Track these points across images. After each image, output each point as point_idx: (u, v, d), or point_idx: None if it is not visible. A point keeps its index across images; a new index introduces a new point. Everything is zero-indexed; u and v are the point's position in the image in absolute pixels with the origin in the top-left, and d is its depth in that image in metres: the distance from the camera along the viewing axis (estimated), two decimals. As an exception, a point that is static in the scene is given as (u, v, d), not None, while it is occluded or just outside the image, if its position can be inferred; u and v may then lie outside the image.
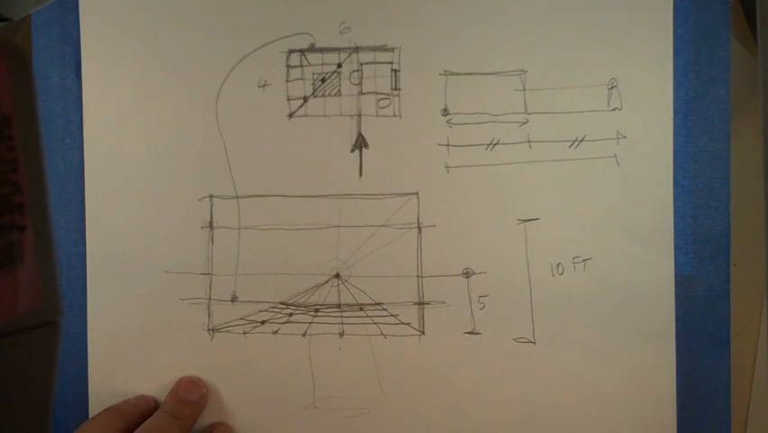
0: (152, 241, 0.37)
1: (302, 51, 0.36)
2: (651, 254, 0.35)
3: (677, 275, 0.35)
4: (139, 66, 0.37)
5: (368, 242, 0.36)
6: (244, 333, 0.37)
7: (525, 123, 0.35)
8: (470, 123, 0.36)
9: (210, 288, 0.37)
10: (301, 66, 0.36)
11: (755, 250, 0.35)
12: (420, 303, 0.36)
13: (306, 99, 0.36)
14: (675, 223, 0.35)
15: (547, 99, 0.35)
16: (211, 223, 0.37)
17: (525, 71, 0.35)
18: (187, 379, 0.37)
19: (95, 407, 0.37)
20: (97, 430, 0.33)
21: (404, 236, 0.36)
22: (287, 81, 0.36)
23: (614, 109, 0.35)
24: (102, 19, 0.37)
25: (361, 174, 0.36)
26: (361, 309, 0.36)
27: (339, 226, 0.36)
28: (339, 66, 0.36)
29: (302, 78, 0.36)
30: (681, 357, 0.35)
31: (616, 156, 0.35)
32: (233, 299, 0.37)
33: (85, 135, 0.37)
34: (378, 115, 0.36)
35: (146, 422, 0.34)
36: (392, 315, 0.36)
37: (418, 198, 0.36)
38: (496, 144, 0.36)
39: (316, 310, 0.37)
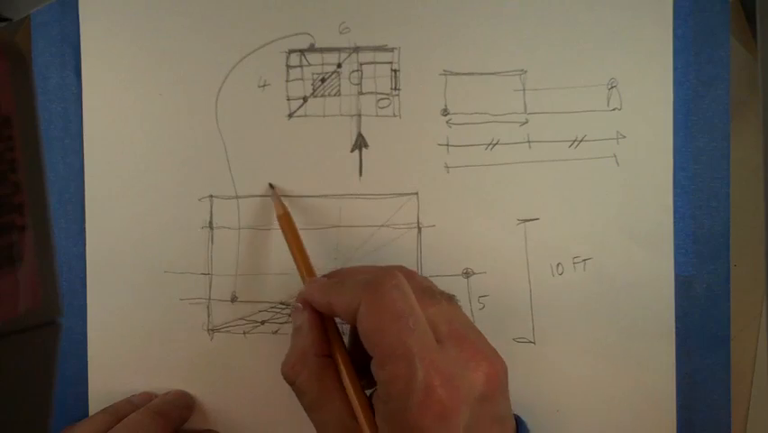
0: (152, 241, 0.37)
1: (302, 51, 0.36)
2: (651, 254, 0.35)
3: (677, 275, 0.35)
4: (139, 66, 0.37)
5: (368, 242, 0.36)
6: (244, 333, 0.37)
7: (525, 123, 0.35)
8: (470, 123, 0.36)
9: (210, 288, 0.37)
10: (301, 66, 0.36)
11: (755, 250, 0.35)
12: (420, 303, 0.36)
13: (305, 99, 0.36)
14: (675, 223, 0.35)
15: (547, 99, 0.35)
16: (211, 223, 0.37)
17: (525, 71, 0.35)
18: (177, 390, 0.37)
19: (95, 407, 0.37)
20: (89, 428, 0.33)
21: (404, 236, 0.36)
22: (287, 81, 0.36)
23: (614, 109, 0.35)
24: (102, 19, 0.37)
25: (361, 174, 0.36)
26: (361, 309, 0.36)
27: (339, 226, 0.36)
28: (339, 66, 0.36)
29: (302, 78, 0.36)
30: (680, 357, 0.35)
31: (615, 156, 0.35)
32: (233, 299, 0.37)
33: (85, 135, 0.37)
34: (378, 115, 0.36)
35: (127, 418, 0.33)
36: (392, 315, 0.36)
37: (418, 198, 0.36)
38: (496, 144, 0.36)
39: (316, 310, 0.36)
